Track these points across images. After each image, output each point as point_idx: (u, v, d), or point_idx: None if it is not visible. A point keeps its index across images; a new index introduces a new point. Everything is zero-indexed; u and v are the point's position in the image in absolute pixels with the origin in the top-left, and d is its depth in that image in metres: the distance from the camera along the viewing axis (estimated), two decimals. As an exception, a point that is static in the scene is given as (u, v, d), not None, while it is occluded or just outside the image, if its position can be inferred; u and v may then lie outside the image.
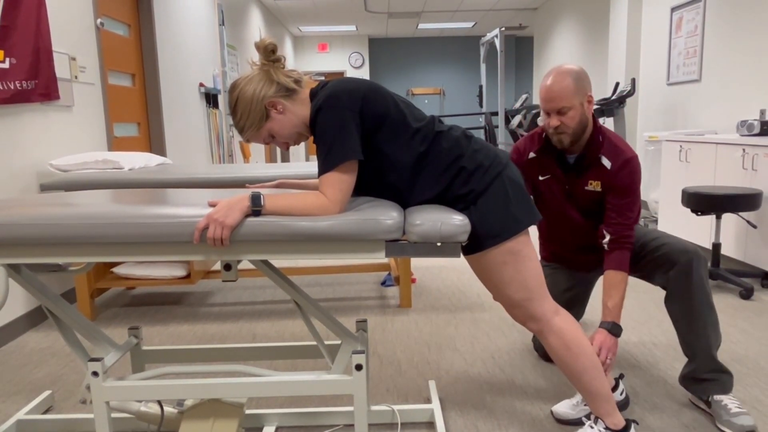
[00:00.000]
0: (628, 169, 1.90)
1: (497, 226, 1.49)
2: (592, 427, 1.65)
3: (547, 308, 1.59)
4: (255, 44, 1.52)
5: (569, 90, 1.81)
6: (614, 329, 1.86)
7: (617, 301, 1.88)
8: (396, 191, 1.54)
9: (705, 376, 1.89)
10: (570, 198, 2.03)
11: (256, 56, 8.53)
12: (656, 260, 1.92)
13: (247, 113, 1.50)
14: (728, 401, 1.84)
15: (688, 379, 1.94)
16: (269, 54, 1.51)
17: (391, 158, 1.49)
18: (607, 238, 1.92)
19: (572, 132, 1.87)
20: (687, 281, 1.84)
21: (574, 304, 2.26)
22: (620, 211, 1.91)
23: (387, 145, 1.48)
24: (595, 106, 5.64)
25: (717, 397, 1.86)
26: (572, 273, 2.23)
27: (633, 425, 1.66)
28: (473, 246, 1.53)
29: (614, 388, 1.94)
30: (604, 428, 1.63)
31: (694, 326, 1.86)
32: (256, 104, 1.49)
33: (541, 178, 2.06)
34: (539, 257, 2.33)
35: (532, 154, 2.05)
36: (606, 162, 1.91)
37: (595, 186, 1.95)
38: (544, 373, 2.25)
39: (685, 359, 2.35)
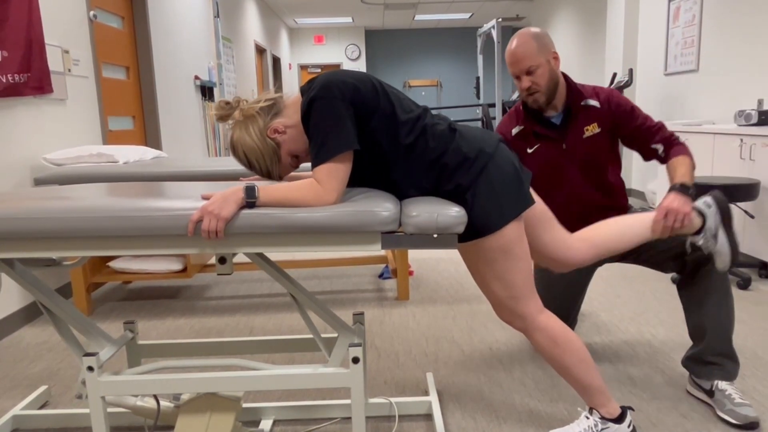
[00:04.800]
0: (616, 98, 1.96)
1: (484, 219, 1.48)
2: (587, 418, 1.65)
3: (533, 307, 1.59)
4: (215, 117, 1.52)
5: (533, 49, 1.86)
6: (683, 189, 1.76)
7: (685, 171, 1.84)
8: (387, 183, 1.53)
9: (711, 359, 1.87)
10: (569, 156, 2.00)
11: (248, 52, 8.50)
12: (674, 247, 1.91)
13: (261, 155, 1.48)
14: (732, 391, 1.83)
15: (692, 360, 1.92)
16: (228, 108, 1.51)
17: (381, 148, 1.48)
18: (660, 147, 1.95)
19: (545, 89, 1.90)
20: (707, 265, 1.83)
21: (569, 308, 2.26)
22: (646, 128, 1.95)
23: (377, 135, 1.47)
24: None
25: (721, 386, 1.85)
26: (566, 274, 2.21)
27: (629, 411, 1.66)
28: (463, 236, 1.52)
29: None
30: (600, 418, 1.63)
31: (708, 307, 1.84)
32: (260, 143, 1.47)
33: (529, 150, 2.04)
34: None
35: (516, 130, 2.05)
36: (593, 102, 1.96)
37: (593, 129, 1.97)
38: (542, 365, 2.25)
39: (684, 349, 2.35)
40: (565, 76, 1.98)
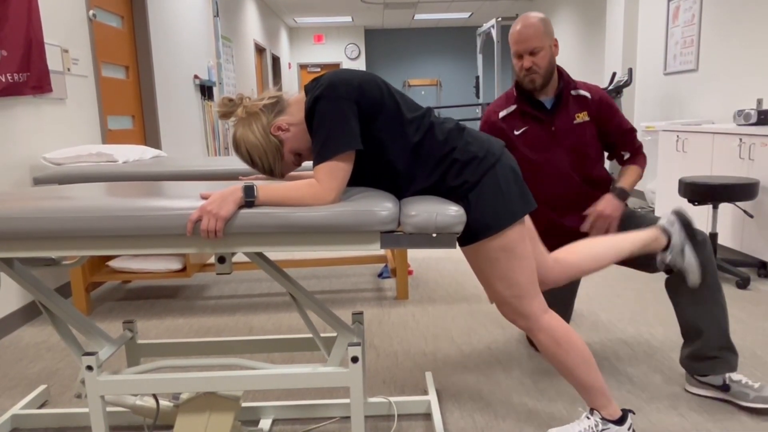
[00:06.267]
0: (603, 93, 2.10)
1: (488, 219, 1.49)
2: (588, 418, 1.65)
3: (537, 306, 1.59)
4: (218, 114, 1.53)
5: (539, 31, 1.95)
6: (620, 193, 2.02)
7: (632, 179, 2.08)
8: (391, 181, 1.53)
9: (712, 354, 1.88)
10: (557, 139, 2.07)
11: (247, 51, 8.50)
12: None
13: (264, 153, 1.49)
14: (746, 379, 1.86)
15: (692, 358, 1.93)
16: (231, 105, 1.51)
17: (386, 148, 1.48)
18: (627, 155, 2.14)
19: (543, 72, 1.99)
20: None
21: (562, 302, 2.26)
22: (621, 130, 2.11)
23: (382, 135, 1.47)
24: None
25: (735, 377, 1.87)
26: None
27: (629, 415, 1.66)
28: (465, 238, 1.53)
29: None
30: (601, 419, 1.63)
31: (700, 305, 1.86)
32: (264, 140, 1.48)
33: (516, 132, 2.09)
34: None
35: (504, 112, 2.11)
36: (585, 93, 2.08)
37: (583, 116, 2.07)
38: (541, 365, 2.25)
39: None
40: (558, 68, 2.07)
